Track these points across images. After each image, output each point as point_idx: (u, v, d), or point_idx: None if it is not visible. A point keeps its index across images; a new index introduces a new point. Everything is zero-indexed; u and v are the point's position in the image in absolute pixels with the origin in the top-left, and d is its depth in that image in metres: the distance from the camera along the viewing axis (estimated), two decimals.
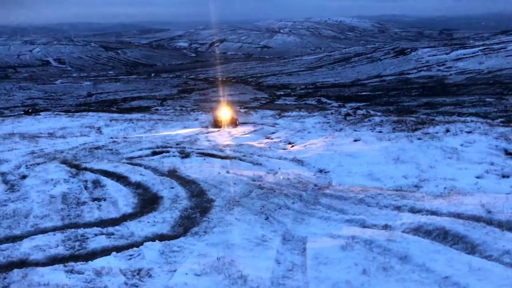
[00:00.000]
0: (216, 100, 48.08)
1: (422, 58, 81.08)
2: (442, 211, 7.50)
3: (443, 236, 6.39)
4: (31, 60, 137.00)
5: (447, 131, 14.28)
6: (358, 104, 40.09)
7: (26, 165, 12.01)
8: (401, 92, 49.66)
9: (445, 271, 5.29)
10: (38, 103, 50.10)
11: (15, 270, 5.35)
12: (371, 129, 16.25)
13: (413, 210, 7.83)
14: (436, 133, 14.18)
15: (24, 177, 10.64)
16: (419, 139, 13.57)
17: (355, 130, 16.41)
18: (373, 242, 6.22)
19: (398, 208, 8.06)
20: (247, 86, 69.23)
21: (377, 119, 18.98)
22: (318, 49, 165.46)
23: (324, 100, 46.30)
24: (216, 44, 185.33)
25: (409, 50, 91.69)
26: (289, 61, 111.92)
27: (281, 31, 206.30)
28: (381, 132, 15.50)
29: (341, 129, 17.28)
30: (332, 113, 24.52)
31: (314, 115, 23.71)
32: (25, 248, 6.28)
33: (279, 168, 11.88)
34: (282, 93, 58.25)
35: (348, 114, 22.89)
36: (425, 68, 71.61)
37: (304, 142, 15.38)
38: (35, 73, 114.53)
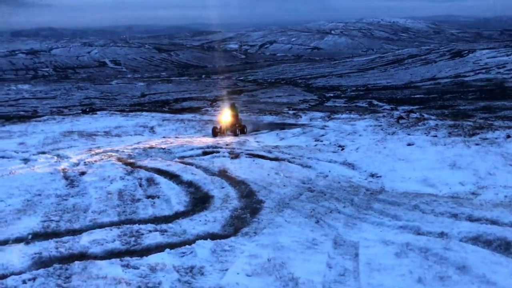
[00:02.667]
0: (264, 102, 48.22)
1: (480, 60, 77.66)
2: (503, 221, 7.16)
3: (505, 247, 6.09)
4: (89, 62, 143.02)
5: (508, 136, 13.58)
6: (411, 107, 38.95)
7: (85, 162, 12.55)
8: (456, 95, 47.83)
9: (508, 284, 5.03)
10: (95, 102, 52.22)
11: (76, 262, 5.60)
12: (425, 133, 15.75)
13: (471, 218, 7.52)
14: (496, 138, 13.53)
15: (82, 173, 11.12)
16: (476, 144, 13.00)
17: (408, 134, 15.96)
18: (429, 250, 6.02)
19: (454, 215, 7.76)
20: (296, 87, 68.94)
21: (431, 123, 18.37)
22: (370, 51, 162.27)
23: (375, 102, 45.35)
24: (266, 46, 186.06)
25: (466, 51, 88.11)
26: (340, 63, 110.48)
27: (332, 32, 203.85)
28: (436, 136, 14.98)
29: (393, 133, 16.86)
30: (384, 116, 23.94)
31: (365, 118, 23.24)
32: (84, 241, 6.56)
33: (329, 171, 11.75)
34: (331, 95, 57.56)
35: (401, 117, 22.28)
36: (483, 71, 68.54)
37: (355, 145, 15.13)
38: (93, 74, 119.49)
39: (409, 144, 14.09)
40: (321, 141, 16.94)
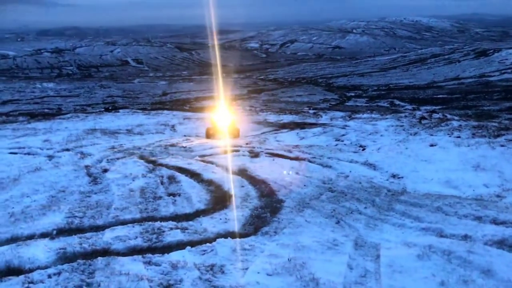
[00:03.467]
0: (284, 101, 48.10)
1: (507, 59, 75.93)
2: None
3: None
4: (112, 60, 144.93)
5: None
6: (434, 107, 38.31)
7: (107, 160, 12.75)
8: (481, 95, 46.88)
9: None
10: (117, 100, 52.89)
11: (99, 258, 5.69)
12: (448, 134, 15.48)
13: (495, 221, 7.37)
14: None
15: (105, 170, 11.29)
16: (502, 145, 12.73)
17: (431, 135, 15.71)
18: (452, 253, 5.92)
19: (479, 218, 7.61)
20: (317, 87, 68.55)
21: (455, 123, 18.04)
22: (392, 50, 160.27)
23: (397, 102, 44.78)
24: (286, 45, 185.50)
25: (491, 51, 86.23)
26: (361, 62, 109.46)
27: (354, 31, 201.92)
28: (459, 137, 14.71)
29: (415, 133, 16.63)
30: (406, 116, 23.63)
31: (387, 118, 22.99)
32: (107, 238, 6.66)
33: (350, 171, 11.67)
34: (353, 94, 57.08)
35: (423, 118, 21.94)
36: (509, 70, 67.02)
37: (376, 145, 14.98)
38: (115, 72, 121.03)
39: (431, 145, 13.89)
40: (342, 141, 16.83)
